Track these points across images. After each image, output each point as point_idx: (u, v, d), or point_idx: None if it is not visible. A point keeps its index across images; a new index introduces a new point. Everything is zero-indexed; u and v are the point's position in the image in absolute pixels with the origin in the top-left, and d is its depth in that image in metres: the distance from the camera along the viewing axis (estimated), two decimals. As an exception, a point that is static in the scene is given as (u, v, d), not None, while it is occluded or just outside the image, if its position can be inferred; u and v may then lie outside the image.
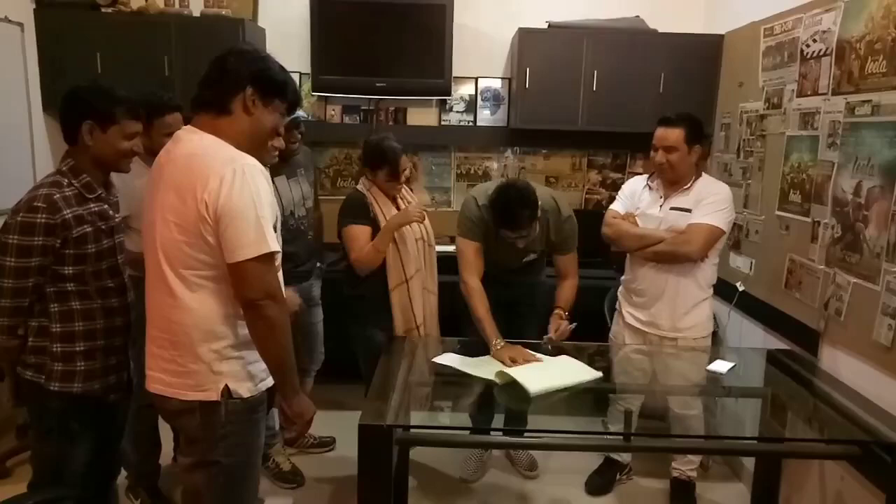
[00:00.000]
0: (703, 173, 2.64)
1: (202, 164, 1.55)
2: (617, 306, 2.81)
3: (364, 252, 2.54)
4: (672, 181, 2.58)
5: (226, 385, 1.63)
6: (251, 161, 1.58)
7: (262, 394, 1.71)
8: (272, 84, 1.65)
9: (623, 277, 2.79)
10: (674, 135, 2.50)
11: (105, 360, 1.92)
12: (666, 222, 2.57)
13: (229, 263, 1.54)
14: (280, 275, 1.67)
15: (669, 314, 2.60)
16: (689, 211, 2.53)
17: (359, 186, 2.69)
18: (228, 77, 1.62)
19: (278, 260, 1.65)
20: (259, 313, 1.56)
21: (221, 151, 1.58)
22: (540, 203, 2.41)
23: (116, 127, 1.87)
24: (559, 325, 2.50)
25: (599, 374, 2.25)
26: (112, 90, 1.90)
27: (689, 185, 2.57)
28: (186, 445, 1.72)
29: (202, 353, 1.61)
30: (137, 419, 2.47)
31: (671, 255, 2.53)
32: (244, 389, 1.66)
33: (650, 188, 2.67)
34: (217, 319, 1.61)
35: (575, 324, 2.52)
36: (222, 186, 1.52)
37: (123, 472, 2.56)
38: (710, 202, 2.51)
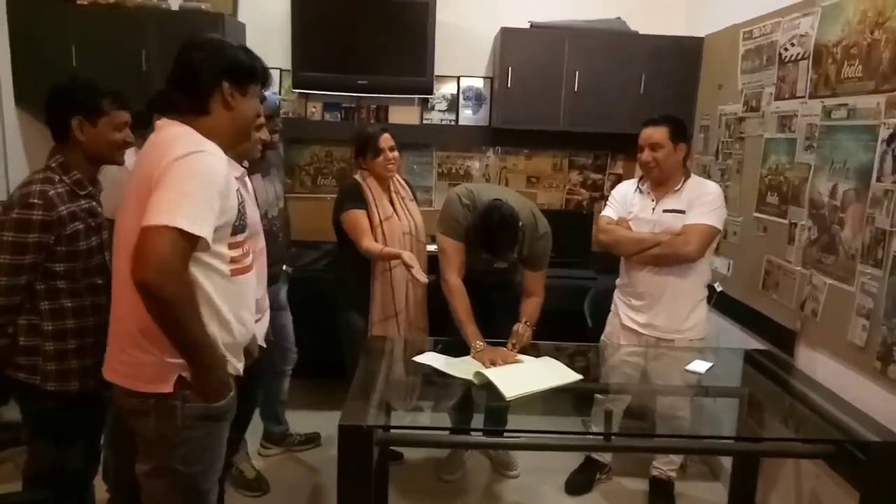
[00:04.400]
0: (691, 174, 2.66)
1: (163, 149, 1.47)
2: (613, 308, 2.80)
3: (373, 246, 2.63)
4: (660, 181, 2.59)
5: (179, 376, 1.50)
6: (214, 149, 1.49)
7: (229, 400, 1.57)
8: (245, 71, 1.60)
9: (619, 281, 2.79)
10: (658, 133, 2.53)
11: (96, 357, 1.88)
12: (660, 225, 2.58)
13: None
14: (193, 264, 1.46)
15: (669, 316, 2.61)
16: (682, 212, 2.55)
17: (356, 176, 2.81)
18: (201, 78, 1.55)
19: (216, 254, 1.50)
20: (148, 293, 1.36)
21: (188, 138, 1.50)
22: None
23: (106, 118, 1.86)
24: (521, 338, 2.43)
25: (579, 376, 2.24)
26: (94, 83, 1.89)
27: (679, 186, 2.59)
28: (143, 450, 1.60)
29: (148, 344, 1.49)
30: (118, 422, 2.42)
31: (672, 258, 2.54)
32: None
33: (640, 191, 2.68)
34: None
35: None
36: (165, 158, 1.43)
37: (104, 486, 2.50)
38: (704, 202, 2.53)
